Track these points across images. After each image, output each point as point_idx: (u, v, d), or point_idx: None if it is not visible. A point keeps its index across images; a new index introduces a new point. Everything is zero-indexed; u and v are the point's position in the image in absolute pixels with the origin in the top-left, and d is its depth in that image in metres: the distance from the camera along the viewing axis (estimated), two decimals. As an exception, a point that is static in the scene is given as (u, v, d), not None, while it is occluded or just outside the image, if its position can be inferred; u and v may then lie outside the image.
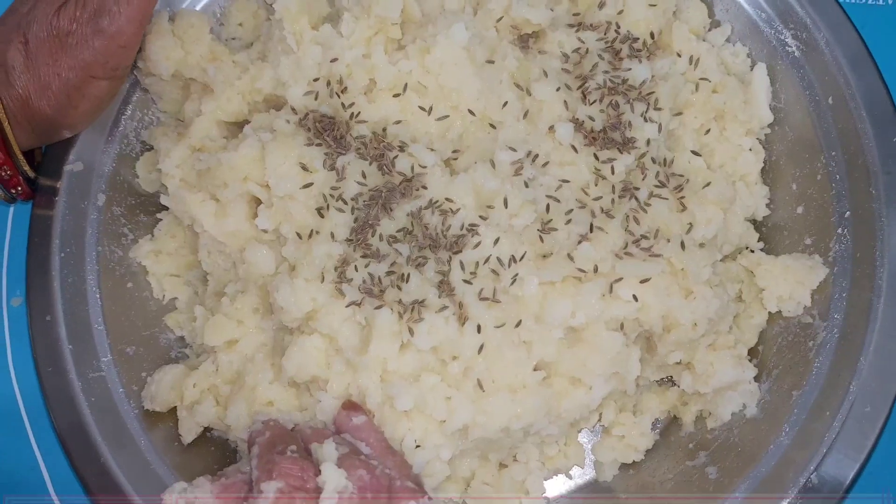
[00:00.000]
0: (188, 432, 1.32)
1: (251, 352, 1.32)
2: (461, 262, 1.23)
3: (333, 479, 1.07)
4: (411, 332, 1.20)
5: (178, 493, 1.11)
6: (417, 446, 1.21)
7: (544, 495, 1.36)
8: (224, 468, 1.31)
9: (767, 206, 1.43)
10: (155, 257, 1.43)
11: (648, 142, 1.32)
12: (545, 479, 1.37)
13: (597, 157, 1.31)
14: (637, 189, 1.30)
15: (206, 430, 1.35)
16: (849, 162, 1.34)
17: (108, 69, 1.24)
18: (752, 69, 1.43)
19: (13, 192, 1.35)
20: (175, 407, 1.34)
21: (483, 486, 1.32)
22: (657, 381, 1.42)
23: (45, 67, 1.22)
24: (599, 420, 1.40)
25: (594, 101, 1.33)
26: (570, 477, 1.41)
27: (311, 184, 1.28)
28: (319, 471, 1.08)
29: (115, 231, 1.41)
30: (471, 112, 1.33)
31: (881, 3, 1.60)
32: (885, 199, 1.29)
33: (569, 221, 1.27)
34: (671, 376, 1.40)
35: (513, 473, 1.32)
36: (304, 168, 1.28)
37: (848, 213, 1.33)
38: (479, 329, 1.21)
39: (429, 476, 1.24)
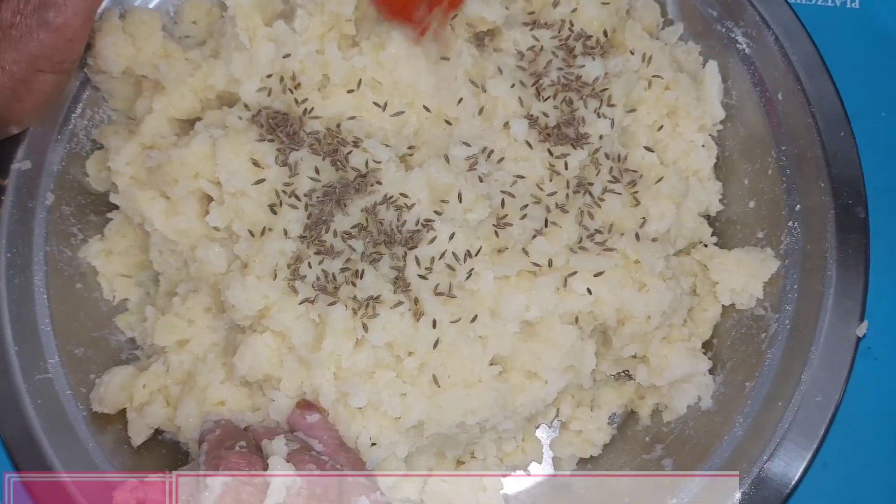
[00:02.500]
0: (138, 434, 1.29)
1: (202, 351, 1.30)
2: (416, 258, 1.23)
3: (281, 472, 1.05)
4: (366, 328, 1.19)
5: (130, 490, 1.09)
6: (373, 444, 1.20)
7: (502, 492, 1.35)
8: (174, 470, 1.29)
9: (720, 201, 1.44)
10: (105, 257, 1.40)
11: (601, 137, 1.33)
12: (503, 476, 1.37)
13: (551, 153, 1.31)
14: (591, 184, 1.31)
15: (157, 432, 1.32)
16: (798, 156, 1.36)
17: (54, 63, 1.22)
18: (704, 66, 1.45)
19: (-42, 189, 1.32)
20: (125, 409, 1.31)
21: (440, 483, 1.31)
22: (614, 376, 1.42)
23: (-11, 61, 1.20)
24: (557, 415, 1.39)
25: (548, 98, 1.34)
26: (528, 473, 1.40)
27: (263, 180, 1.26)
28: (268, 466, 1.06)
29: (64, 231, 1.38)
30: (426, 108, 1.33)
31: (830, 4, 1.63)
32: (833, 192, 1.31)
33: (524, 216, 1.27)
34: (627, 371, 1.40)
35: (470, 470, 1.31)
36: (256, 164, 1.27)
37: (798, 206, 1.34)
38: (434, 324, 1.21)
39: (383, 469, 1.22)
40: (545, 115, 1.33)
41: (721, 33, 1.44)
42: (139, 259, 1.42)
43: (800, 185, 1.35)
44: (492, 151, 1.31)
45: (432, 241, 1.24)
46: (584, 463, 1.39)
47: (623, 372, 1.42)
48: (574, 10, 1.40)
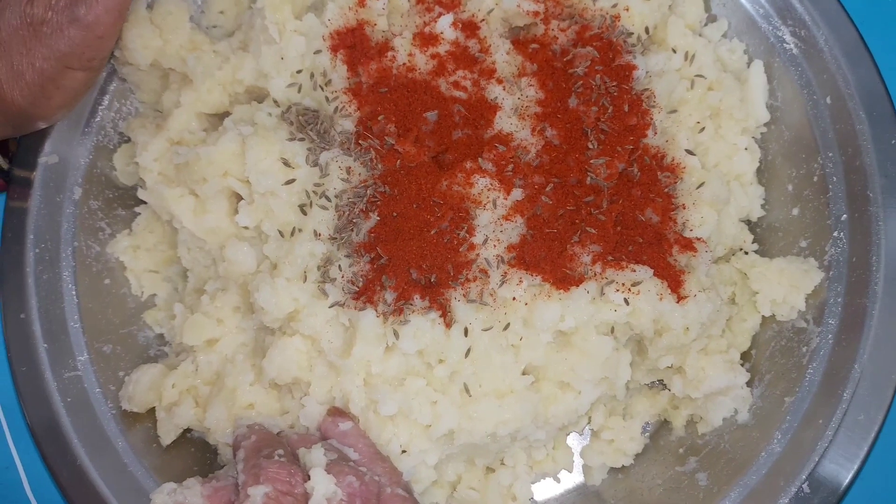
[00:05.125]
0: (167, 434, 1.28)
1: (231, 352, 1.29)
2: (449, 264, 1.20)
3: (322, 484, 1.05)
4: (396, 335, 1.17)
5: (168, 493, 1.09)
6: (403, 451, 1.19)
7: (531, 499, 1.34)
8: (204, 469, 1.29)
9: (762, 206, 1.40)
10: (133, 253, 1.39)
11: (642, 140, 1.29)
12: (532, 483, 1.35)
13: (588, 157, 1.27)
14: (629, 189, 1.27)
15: (186, 429, 1.31)
16: (846, 163, 1.31)
17: (84, 60, 1.19)
18: (748, 66, 1.40)
19: (-15, 183, 1.31)
20: (154, 407, 1.30)
21: (469, 490, 1.29)
22: (648, 385, 1.39)
23: (19, 56, 1.17)
24: (588, 423, 1.37)
25: (587, 98, 1.29)
26: (557, 481, 1.39)
27: (293, 180, 1.24)
28: (307, 476, 1.06)
29: (91, 226, 1.37)
30: (461, 107, 1.29)
31: (883, -2, 1.56)
32: (883, 203, 1.26)
33: (559, 222, 1.23)
34: (662, 379, 1.37)
35: (500, 478, 1.30)
36: (287, 164, 1.24)
37: (844, 216, 1.30)
38: (466, 332, 1.18)
39: (415, 481, 1.22)
40: (583, 116, 1.29)
41: (767, 31, 1.38)
42: (167, 254, 1.40)
43: (847, 193, 1.30)
44: (527, 154, 1.27)
45: (465, 246, 1.21)
46: (614, 472, 1.37)
47: (657, 380, 1.39)
48: (615, 6, 1.34)
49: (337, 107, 1.28)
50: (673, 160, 1.31)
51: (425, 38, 1.31)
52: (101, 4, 1.14)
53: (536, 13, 1.34)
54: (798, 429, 1.23)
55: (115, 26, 1.18)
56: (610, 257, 1.22)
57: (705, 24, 1.41)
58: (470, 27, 1.33)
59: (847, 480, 1.19)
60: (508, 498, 1.30)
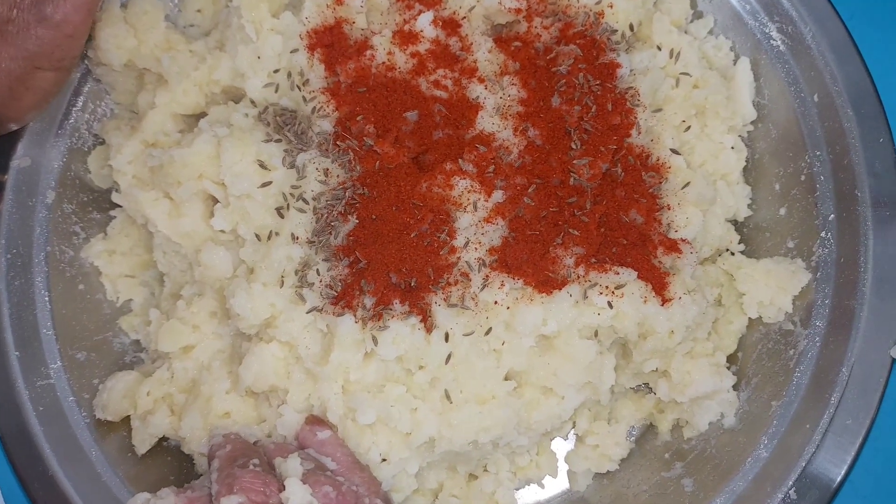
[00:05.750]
0: (142, 443, 1.26)
1: (207, 359, 1.26)
2: (429, 267, 1.17)
3: (298, 494, 1.03)
4: (375, 341, 1.14)
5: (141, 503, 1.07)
6: (383, 460, 1.17)
7: (516, 506, 1.32)
8: (180, 478, 1.27)
9: (749, 206, 1.38)
10: (108, 257, 1.36)
11: (626, 140, 1.26)
12: (517, 490, 1.33)
13: (571, 157, 1.24)
14: (613, 190, 1.24)
15: (162, 438, 1.29)
16: (834, 162, 1.28)
17: (53, 60, 1.16)
18: (735, 63, 1.37)
19: (-45, 188, 1.28)
20: (128, 416, 1.28)
21: (451, 498, 1.27)
22: (633, 389, 1.37)
23: (-16, 57, 1.15)
24: (573, 428, 1.35)
25: (570, 98, 1.26)
26: (542, 487, 1.36)
27: (269, 182, 1.21)
28: (283, 486, 1.04)
29: (65, 230, 1.34)
30: (442, 106, 1.26)
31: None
32: (871, 203, 1.24)
33: (541, 224, 1.21)
34: (647, 383, 1.35)
35: (482, 485, 1.28)
36: (263, 166, 1.21)
37: (832, 216, 1.28)
38: (446, 337, 1.16)
39: (397, 490, 1.20)
40: (566, 115, 1.26)
41: (754, 28, 1.36)
42: (143, 258, 1.38)
43: (834, 192, 1.28)
44: (509, 154, 1.25)
45: (446, 249, 1.18)
46: (600, 478, 1.35)
47: (643, 384, 1.36)
48: (599, 2, 1.32)
49: (315, 107, 1.25)
50: (658, 160, 1.28)
51: (405, 37, 1.28)
52: (70, 3, 1.11)
53: (519, 10, 1.31)
54: (785, 433, 1.21)
55: (85, 25, 1.15)
56: (593, 259, 1.20)
57: (691, 21, 1.39)
58: (451, 25, 1.31)
59: (835, 486, 1.17)
60: (492, 504, 1.28)
